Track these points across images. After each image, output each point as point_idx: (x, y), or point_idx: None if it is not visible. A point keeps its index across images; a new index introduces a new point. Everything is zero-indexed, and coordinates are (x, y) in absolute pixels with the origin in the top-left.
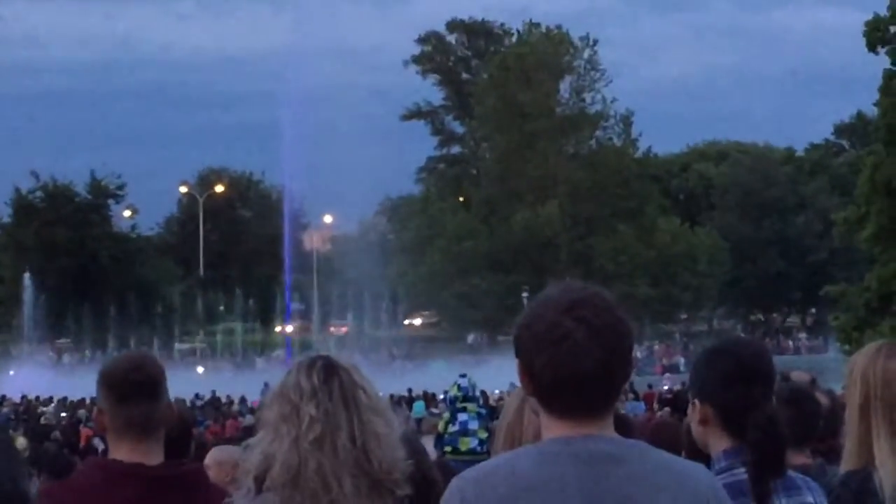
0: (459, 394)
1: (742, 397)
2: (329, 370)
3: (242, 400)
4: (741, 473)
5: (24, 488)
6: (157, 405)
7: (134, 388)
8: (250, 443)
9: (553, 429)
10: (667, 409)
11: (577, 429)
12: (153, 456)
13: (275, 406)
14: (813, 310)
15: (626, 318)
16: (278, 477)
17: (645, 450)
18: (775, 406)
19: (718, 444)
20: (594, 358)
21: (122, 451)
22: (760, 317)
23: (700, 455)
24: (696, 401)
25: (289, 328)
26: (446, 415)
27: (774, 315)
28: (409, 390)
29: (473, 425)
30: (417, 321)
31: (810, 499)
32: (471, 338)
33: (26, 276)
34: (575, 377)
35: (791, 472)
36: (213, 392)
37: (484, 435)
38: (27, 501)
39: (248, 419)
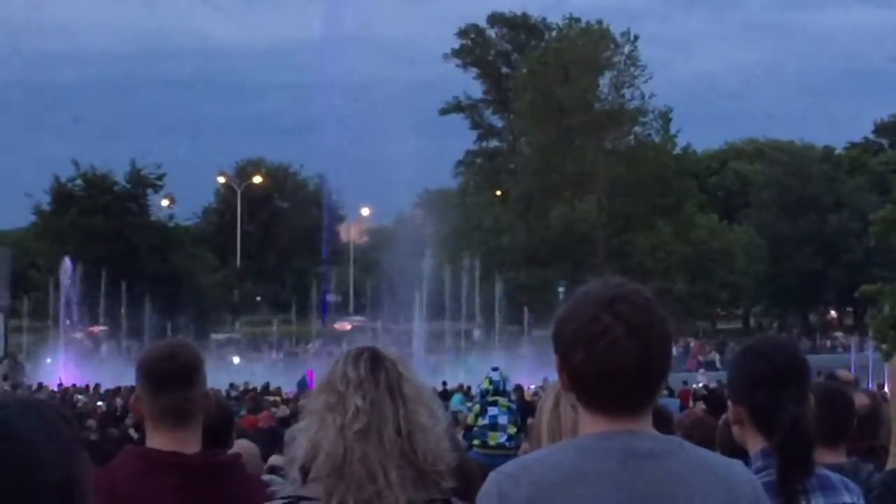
0: (490, 387)
1: (771, 398)
2: (375, 361)
3: (270, 391)
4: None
5: (73, 475)
6: (193, 393)
7: (168, 377)
8: (293, 431)
9: (591, 424)
10: (700, 403)
11: (616, 424)
12: (190, 444)
13: (322, 396)
14: (850, 308)
15: (665, 315)
16: (323, 466)
17: (683, 446)
18: (811, 406)
19: (754, 443)
20: (632, 355)
21: (158, 439)
22: (797, 315)
23: (735, 453)
24: (730, 401)
25: (347, 325)
26: (476, 408)
27: (811, 313)
28: (444, 383)
29: (503, 420)
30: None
31: (847, 499)
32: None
33: (64, 263)
34: (613, 374)
35: (828, 472)
36: (246, 383)
37: (513, 430)
38: (75, 489)
39: (283, 410)
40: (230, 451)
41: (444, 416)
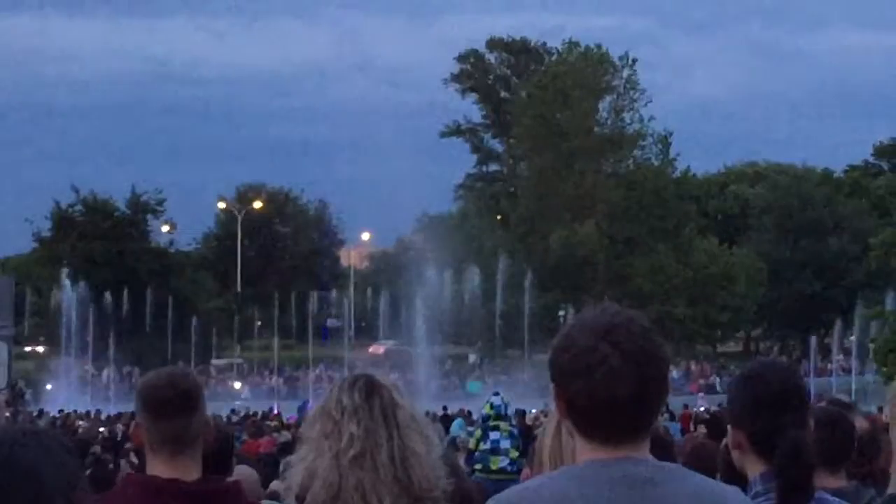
0: (492, 412)
1: (770, 423)
2: (370, 388)
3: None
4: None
5: (77, 501)
6: (193, 420)
7: (168, 404)
8: (290, 460)
9: (588, 452)
10: (701, 426)
11: (613, 452)
12: (190, 471)
13: (317, 423)
14: (851, 332)
15: (661, 343)
16: (319, 494)
17: (680, 473)
18: (811, 430)
19: (754, 468)
20: (629, 384)
21: (158, 466)
22: (797, 338)
23: (735, 477)
24: (730, 426)
25: (381, 349)
26: (478, 432)
27: (811, 336)
28: (445, 408)
29: (505, 444)
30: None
31: None
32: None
33: (64, 289)
34: (610, 403)
35: (828, 496)
36: (248, 408)
37: (515, 454)
38: None
39: (284, 435)
40: (230, 478)
41: (439, 443)
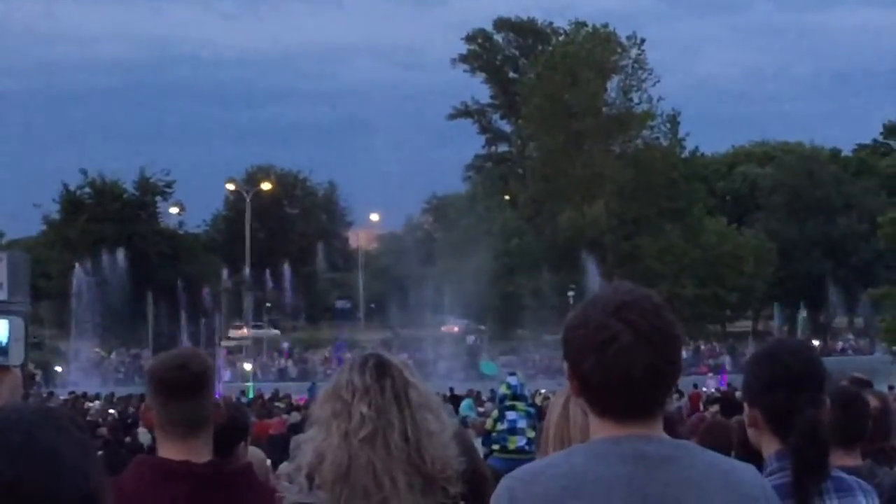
0: (509, 392)
1: (787, 402)
2: (381, 368)
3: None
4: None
5: (95, 485)
6: (203, 402)
7: (179, 386)
8: (300, 439)
9: (602, 429)
10: (715, 406)
11: (626, 430)
12: (200, 453)
13: (327, 404)
14: (860, 311)
15: (674, 321)
16: (328, 474)
17: (693, 450)
18: (827, 409)
19: (769, 446)
20: (641, 361)
21: (168, 448)
22: (806, 317)
23: (750, 455)
24: (746, 404)
25: (455, 328)
26: (495, 413)
27: (821, 316)
28: (451, 389)
29: (522, 424)
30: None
31: (862, 500)
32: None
33: (75, 272)
34: (622, 380)
35: (843, 474)
36: (256, 389)
37: (532, 434)
38: (97, 499)
39: (294, 417)
40: (243, 461)
41: (450, 422)
